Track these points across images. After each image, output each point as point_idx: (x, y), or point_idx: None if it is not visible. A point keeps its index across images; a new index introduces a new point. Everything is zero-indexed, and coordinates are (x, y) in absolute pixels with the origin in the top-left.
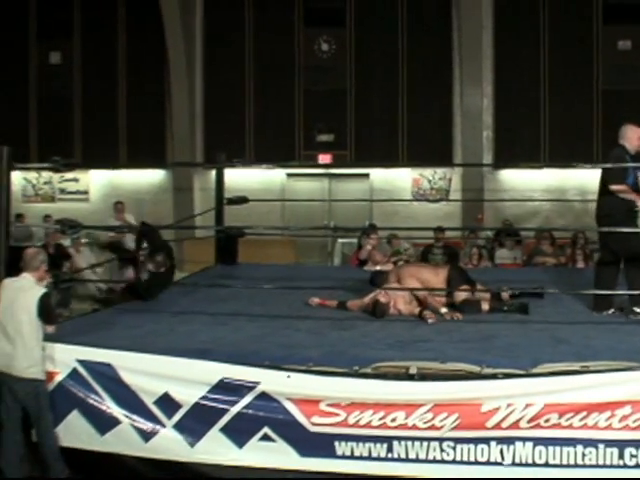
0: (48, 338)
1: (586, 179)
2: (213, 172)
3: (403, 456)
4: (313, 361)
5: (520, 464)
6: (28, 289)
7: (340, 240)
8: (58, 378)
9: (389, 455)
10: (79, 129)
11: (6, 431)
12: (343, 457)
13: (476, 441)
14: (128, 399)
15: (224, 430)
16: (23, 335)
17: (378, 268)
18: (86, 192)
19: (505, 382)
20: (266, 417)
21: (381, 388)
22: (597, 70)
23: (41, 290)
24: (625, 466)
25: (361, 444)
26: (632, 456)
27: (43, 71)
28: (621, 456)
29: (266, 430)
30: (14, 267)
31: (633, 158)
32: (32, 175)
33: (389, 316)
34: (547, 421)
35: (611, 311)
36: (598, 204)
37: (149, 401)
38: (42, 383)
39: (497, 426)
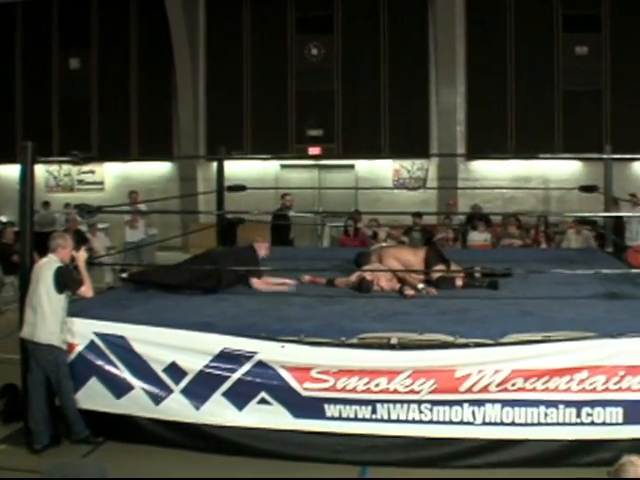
0: (70, 313)
1: (548, 169)
2: (214, 164)
3: (386, 417)
4: (305, 333)
5: (490, 423)
6: (46, 265)
7: (329, 224)
8: (78, 349)
9: (373, 416)
10: (95, 127)
11: (32, 395)
12: (332, 418)
13: (450, 403)
14: (140, 367)
15: (226, 395)
16: (42, 306)
17: (384, 245)
18: (101, 183)
19: (476, 350)
20: (263, 383)
21: (366, 357)
22: (558, 73)
23: (56, 264)
24: (582, 424)
25: (348, 407)
26: (588, 415)
27: (64, 76)
28: (578, 415)
29: (263, 394)
30: (40, 250)
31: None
32: (54, 168)
33: (373, 292)
34: (513, 385)
35: None
36: None
37: (159, 369)
38: (61, 352)
39: (469, 390)
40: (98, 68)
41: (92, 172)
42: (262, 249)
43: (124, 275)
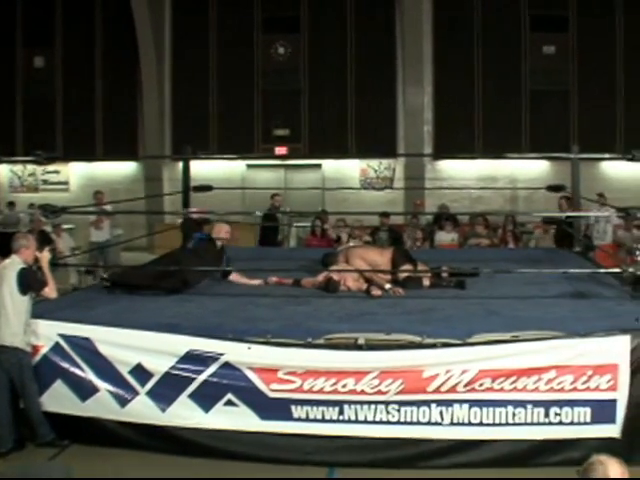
0: (34, 314)
1: (515, 168)
2: (180, 164)
3: (353, 418)
4: (271, 333)
5: (457, 424)
6: (9, 266)
7: (295, 224)
8: (43, 351)
9: (340, 417)
10: (60, 126)
11: None
12: (299, 420)
13: (418, 404)
14: (105, 369)
15: (192, 396)
16: (6, 307)
17: (351, 244)
18: (66, 183)
19: (443, 351)
20: (229, 384)
21: (332, 357)
22: (525, 72)
23: (19, 266)
24: (550, 423)
25: (315, 408)
26: (556, 414)
27: (28, 74)
28: (547, 415)
29: (230, 396)
30: (3, 251)
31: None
32: (18, 168)
33: (340, 292)
34: (481, 385)
35: None
36: None
37: (124, 371)
38: (25, 354)
39: (437, 390)
40: (63, 67)
41: (57, 172)
42: (222, 232)
43: (105, 275)
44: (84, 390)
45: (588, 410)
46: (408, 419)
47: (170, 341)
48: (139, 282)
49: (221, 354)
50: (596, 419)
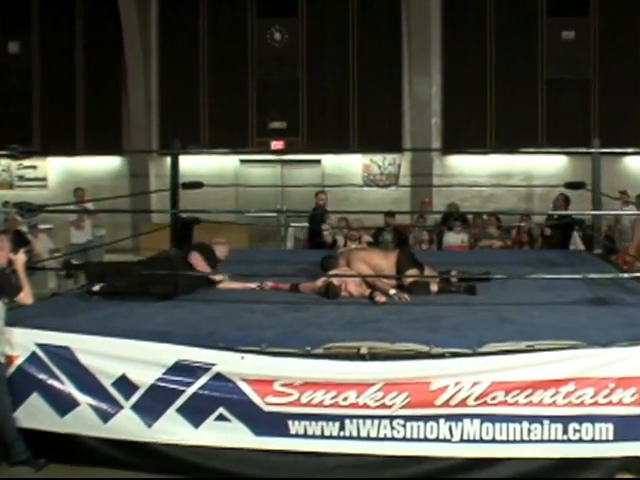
0: (8, 322)
1: (531, 164)
2: (168, 159)
3: (355, 434)
4: (267, 342)
5: (468, 440)
6: None
7: (293, 224)
8: (18, 361)
9: (341, 433)
10: (37, 117)
11: None
12: (296, 436)
13: (425, 419)
14: (87, 381)
15: (180, 410)
16: None
17: (354, 246)
18: (44, 179)
19: (453, 361)
20: (221, 397)
21: (333, 368)
22: (541, 60)
23: None
24: (569, 441)
25: (314, 423)
26: (576, 431)
27: (2, 61)
28: (565, 431)
29: (221, 410)
30: None
31: None
32: None
33: (340, 298)
34: (494, 398)
35: None
36: None
37: (107, 383)
38: None
39: (445, 404)
40: (40, 53)
41: (34, 167)
42: (220, 251)
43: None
44: (63, 404)
45: (610, 426)
46: (414, 435)
47: (157, 350)
48: (127, 289)
49: (212, 364)
50: (619, 436)
